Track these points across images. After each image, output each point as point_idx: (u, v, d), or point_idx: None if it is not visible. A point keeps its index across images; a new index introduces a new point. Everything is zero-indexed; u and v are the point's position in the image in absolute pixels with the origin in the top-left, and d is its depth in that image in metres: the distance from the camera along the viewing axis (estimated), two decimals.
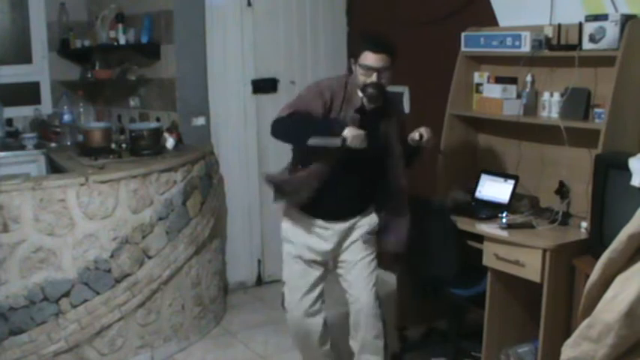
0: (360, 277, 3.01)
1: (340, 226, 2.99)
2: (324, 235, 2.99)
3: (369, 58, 2.76)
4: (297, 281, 3.05)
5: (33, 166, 4.38)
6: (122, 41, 4.43)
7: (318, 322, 3.07)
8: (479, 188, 3.56)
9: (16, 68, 4.87)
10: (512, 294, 3.21)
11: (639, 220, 1.49)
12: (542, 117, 3.34)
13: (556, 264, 2.89)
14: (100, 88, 4.99)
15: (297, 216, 3.03)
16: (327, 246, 3.00)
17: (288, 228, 3.08)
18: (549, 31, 3.28)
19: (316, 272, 3.05)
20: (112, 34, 4.48)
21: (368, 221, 3.03)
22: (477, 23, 3.67)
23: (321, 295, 3.08)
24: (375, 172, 2.94)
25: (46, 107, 4.97)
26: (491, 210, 3.35)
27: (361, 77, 2.78)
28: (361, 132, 2.69)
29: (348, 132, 2.66)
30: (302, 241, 3.02)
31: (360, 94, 2.83)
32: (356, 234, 3.02)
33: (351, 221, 3.00)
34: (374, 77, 2.75)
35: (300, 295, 3.03)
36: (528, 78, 3.37)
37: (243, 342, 3.89)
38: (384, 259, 3.16)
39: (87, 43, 4.80)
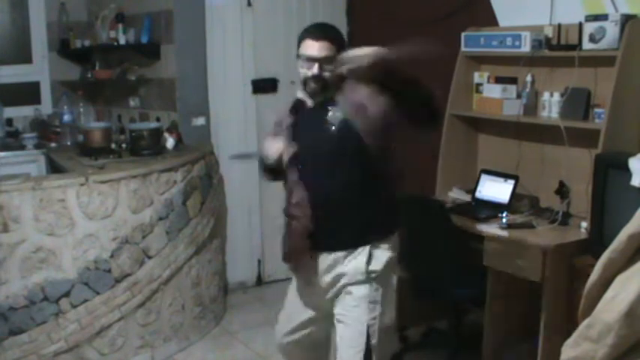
0: (344, 338, 2.41)
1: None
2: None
3: (309, 46, 2.34)
4: (284, 314, 2.70)
5: (33, 166, 4.38)
6: (122, 41, 4.43)
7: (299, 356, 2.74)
8: (479, 188, 3.56)
9: (16, 68, 4.87)
10: (513, 294, 3.20)
11: (639, 220, 1.49)
12: (542, 117, 3.34)
13: (556, 264, 2.89)
14: (100, 88, 4.99)
15: None
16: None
17: None
18: (549, 31, 3.28)
19: (304, 315, 2.58)
20: (112, 34, 4.48)
21: (351, 267, 2.38)
22: (476, 23, 3.67)
23: (301, 341, 2.64)
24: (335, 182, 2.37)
25: (46, 107, 4.97)
26: (491, 210, 3.35)
27: (302, 71, 2.37)
28: (272, 141, 2.37)
29: (262, 145, 2.39)
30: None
31: (302, 92, 2.43)
32: (338, 282, 2.41)
33: (324, 259, 2.41)
34: (315, 69, 2.33)
35: (281, 334, 2.71)
36: (528, 78, 3.37)
37: (243, 342, 3.89)
38: None
39: (87, 43, 4.80)
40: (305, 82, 2.37)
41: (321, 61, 2.33)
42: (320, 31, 2.38)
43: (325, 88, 2.36)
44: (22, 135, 4.65)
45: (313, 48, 2.33)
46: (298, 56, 2.38)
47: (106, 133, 4.12)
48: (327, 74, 2.33)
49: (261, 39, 4.52)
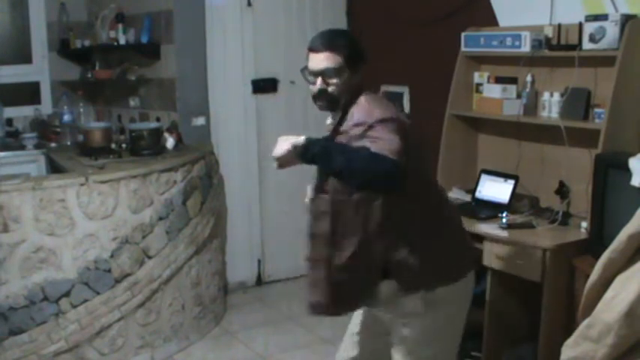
0: None
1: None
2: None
3: (311, 59, 2.19)
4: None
5: (33, 166, 4.38)
6: (122, 41, 4.43)
7: None
8: (479, 188, 3.56)
9: (16, 68, 4.87)
10: (512, 294, 3.20)
11: (639, 220, 1.49)
12: (542, 117, 3.34)
13: (556, 264, 2.89)
14: (100, 88, 4.99)
15: None
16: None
17: None
18: (549, 31, 3.28)
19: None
20: (112, 34, 4.48)
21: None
22: (476, 23, 3.67)
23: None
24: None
25: (46, 107, 4.97)
26: (491, 210, 3.35)
27: (310, 87, 2.21)
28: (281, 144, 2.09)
29: None
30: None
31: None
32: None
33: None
34: (318, 83, 2.16)
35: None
36: (528, 78, 3.37)
37: (243, 342, 3.89)
38: None
39: (87, 43, 4.80)
40: (314, 99, 2.21)
41: (324, 75, 2.16)
42: (321, 41, 2.19)
43: (334, 103, 2.19)
44: (22, 135, 4.65)
45: (314, 60, 2.18)
46: (304, 70, 2.23)
47: (106, 133, 4.12)
48: (332, 88, 2.16)
49: (261, 39, 4.52)
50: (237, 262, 4.58)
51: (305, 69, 2.21)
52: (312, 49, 2.19)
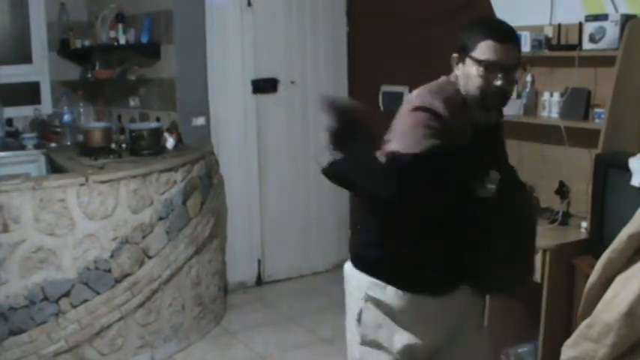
0: None
1: (451, 301, 1.95)
2: (431, 318, 1.95)
3: (493, 50, 1.78)
4: None
5: (33, 166, 4.38)
6: (122, 41, 4.43)
7: None
8: None
9: (16, 68, 4.87)
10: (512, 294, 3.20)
11: (639, 220, 1.49)
12: (542, 117, 3.34)
13: (556, 264, 2.89)
14: (100, 88, 4.99)
15: (393, 295, 1.93)
16: (434, 336, 1.97)
17: (376, 321, 1.97)
18: (549, 31, 3.28)
19: None
20: (112, 34, 4.48)
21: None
22: None
23: None
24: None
25: (46, 107, 4.97)
26: None
27: (477, 80, 1.81)
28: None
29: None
30: (402, 341, 1.94)
31: (472, 103, 1.86)
32: (470, 319, 2.04)
33: (459, 295, 1.97)
34: (501, 81, 1.79)
35: None
36: (528, 78, 3.37)
37: (243, 342, 3.89)
38: None
39: (87, 43, 4.80)
40: (483, 95, 1.82)
41: (508, 70, 1.81)
42: (507, 31, 1.84)
43: (503, 105, 1.88)
44: (22, 135, 4.65)
45: (500, 53, 1.80)
46: (474, 60, 1.83)
47: (106, 133, 4.12)
48: (511, 88, 1.86)
49: (261, 39, 4.52)
50: (237, 262, 4.58)
51: (477, 60, 1.82)
52: (504, 39, 1.81)
